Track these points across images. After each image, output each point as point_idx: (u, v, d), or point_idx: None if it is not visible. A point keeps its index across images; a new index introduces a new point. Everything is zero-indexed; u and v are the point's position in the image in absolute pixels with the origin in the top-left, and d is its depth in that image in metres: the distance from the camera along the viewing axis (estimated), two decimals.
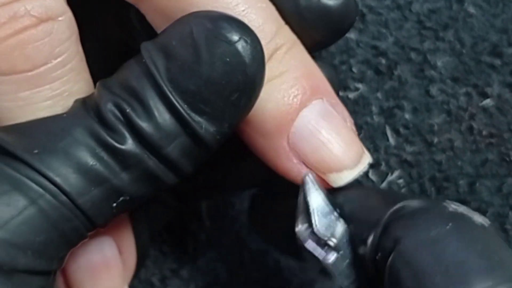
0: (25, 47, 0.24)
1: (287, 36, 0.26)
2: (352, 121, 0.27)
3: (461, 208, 0.24)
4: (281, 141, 0.26)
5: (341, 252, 0.25)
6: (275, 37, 0.25)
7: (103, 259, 0.28)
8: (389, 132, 0.36)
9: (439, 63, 0.36)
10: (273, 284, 0.36)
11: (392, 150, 0.36)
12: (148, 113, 0.23)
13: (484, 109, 0.35)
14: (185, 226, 0.36)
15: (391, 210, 0.24)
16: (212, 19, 0.23)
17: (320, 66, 0.28)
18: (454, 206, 0.24)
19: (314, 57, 0.27)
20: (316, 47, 0.27)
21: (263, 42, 0.24)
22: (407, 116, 0.36)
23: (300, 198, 0.26)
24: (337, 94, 0.28)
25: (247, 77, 0.23)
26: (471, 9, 0.36)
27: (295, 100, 0.25)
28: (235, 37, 0.23)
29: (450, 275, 0.22)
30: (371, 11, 0.36)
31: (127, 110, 0.23)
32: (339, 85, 0.30)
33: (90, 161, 0.23)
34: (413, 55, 0.36)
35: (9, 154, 0.23)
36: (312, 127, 0.26)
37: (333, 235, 0.25)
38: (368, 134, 0.36)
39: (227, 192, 0.35)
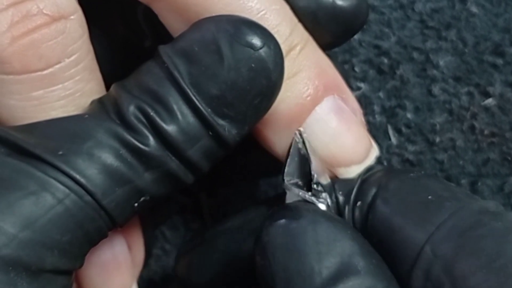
0: (38, 46, 0.24)
1: (300, 35, 0.26)
2: (361, 112, 0.28)
3: None
4: (292, 137, 0.26)
5: (328, 203, 0.26)
6: (289, 37, 0.25)
7: (114, 256, 0.28)
8: (391, 132, 0.36)
9: (441, 63, 0.36)
10: None
11: (394, 150, 0.36)
12: (172, 116, 0.23)
13: (486, 109, 0.35)
14: (187, 225, 0.36)
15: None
16: (234, 24, 0.24)
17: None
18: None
19: (328, 54, 0.27)
20: (326, 47, 0.28)
21: None
22: (409, 115, 0.36)
23: (293, 152, 0.26)
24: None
25: (271, 82, 0.24)
26: (474, 9, 0.36)
27: (308, 99, 0.26)
28: (259, 43, 0.24)
29: (440, 195, 0.24)
30: (373, 10, 0.36)
31: (151, 113, 0.23)
32: (347, 80, 0.30)
33: (115, 162, 0.23)
34: (415, 54, 0.36)
35: (33, 155, 0.23)
36: (322, 123, 0.26)
37: (323, 187, 0.26)
38: (370, 133, 0.36)
39: (232, 184, 0.35)
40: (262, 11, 0.25)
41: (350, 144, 0.27)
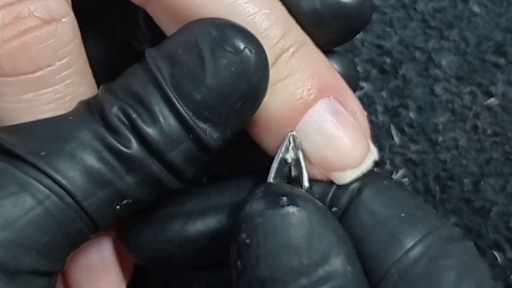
0: (28, 49, 0.24)
1: (294, 37, 0.26)
2: (364, 114, 0.27)
3: None
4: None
5: None
6: (281, 40, 0.25)
7: (102, 260, 0.28)
8: (393, 131, 0.36)
9: (443, 62, 0.36)
10: None
11: (396, 149, 0.36)
12: (153, 119, 0.23)
13: (489, 108, 0.35)
14: None
15: None
16: (217, 27, 0.24)
17: (337, 60, 0.28)
18: None
19: (326, 52, 0.27)
20: (331, 44, 0.27)
21: (267, 47, 0.24)
22: (411, 115, 0.36)
23: (281, 156, 0.26)
24: (356, 86, 0.28)
25: (252, 86, 0.24)
26: (476, 8, 0.36)
27: (299, 102, 0.25)
28: (240, 46, 0.23)
29: (413, 214, 0.24)
30: (375, 10, 0.36)
31: (133, 115, 0.23)
32: (357, 78, 0.30)
33: (96, 164, 0.23)
34: (417, 54, 0.36)
35: (16, 156, 0.23)
36: (317, 126, 0.26)
37: (311, 191, 0.26)
38: (372, 133, 0.36)
39: None
40: (251, 15, 0.25)
41: (346, 147, 0.26)
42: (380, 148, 0.36)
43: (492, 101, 0.35)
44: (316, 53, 0.26)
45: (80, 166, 0.23)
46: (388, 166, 0.36)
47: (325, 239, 0.23)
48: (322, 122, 0.25)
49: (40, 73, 0.24)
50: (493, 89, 0.35)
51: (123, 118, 0.23)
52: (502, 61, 0.35)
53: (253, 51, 0.23)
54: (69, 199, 0.23)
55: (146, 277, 0.36)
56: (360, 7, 0.27)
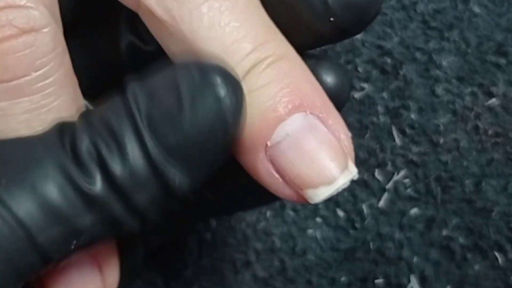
0: (4, 58, 0.23)
1: (271, 49, 0.25)
2: (349, 134, 0.25)
3: None
4: (258, 156, 0.25)
5: None
6: (253, 52, 0.24)
7: (83, 286, 0.27)
8: (395, 132, 0.36)
9: (444, 63, 0.36)
10: (279, 284, 0.36)
11: (398, 150, 0.36)
12: (123, 157, 0.23)
13: (490, 109, 0.35)
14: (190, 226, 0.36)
15: None
16: (200, 72, 0.23)
17: (328, 69, 0.27)
18: None
19: (319, 60, 0.26)
20: (341, 36, 0.27)
21: (234, 62, 0.24)
22: (412, 116, 0.36)
23: None
24: (347, 96, 0.27)
25: (227, 135, 0.23)
26: (476, 9, 0.36)
27: (272, 114, 0.24)
28: (221, 95, 0.23)
29: None
30: None
31: (103, 151, 0.22)
32: (349, 87, 0.29)
33: (56, 198, 0.22)
34: (418, 55, 0.36)
35: None
36: (289, 140, 0.24)
37: None
38: (374, 134, 0.36)
39: (222, 212, 0.34)
40: (218, 29, 0.24)
41: (320, 163, 0.24)
42: (381, 149, 0.36)
43: (493, 101, 0.35)
44: (298, 67, 0.25)
45: (40, 198, 0.22)
46: (389, 167, 0.36)
47: None
48: (296, 137, 0.24)
49: (16, 82, 0.24)
50: (494, 89, 0.35)
51: (93, 152, 0.23)
52: (503, 61, 0.35)
53: (233, 101, 0.23)
54: (22, 233, 0.22)
55: (146, 277, 0.36)
56: None
